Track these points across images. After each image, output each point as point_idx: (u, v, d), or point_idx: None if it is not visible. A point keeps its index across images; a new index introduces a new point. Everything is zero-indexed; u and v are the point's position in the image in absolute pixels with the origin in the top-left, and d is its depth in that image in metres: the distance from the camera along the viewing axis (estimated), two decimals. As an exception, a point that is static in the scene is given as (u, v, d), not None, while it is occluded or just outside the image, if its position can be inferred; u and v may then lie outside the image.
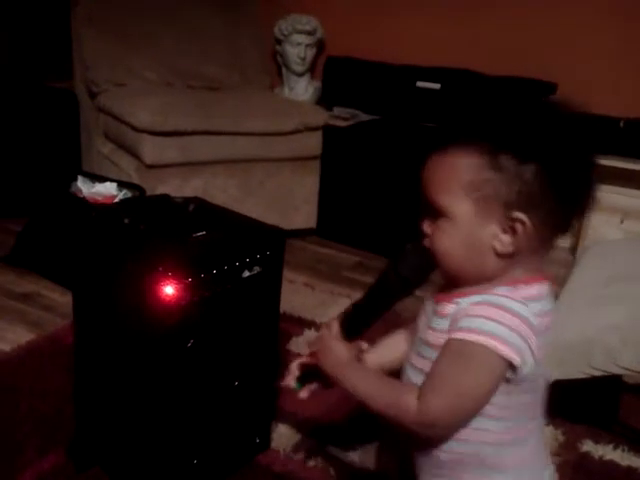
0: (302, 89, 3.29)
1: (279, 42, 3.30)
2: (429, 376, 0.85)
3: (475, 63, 3.02)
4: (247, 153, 2.59)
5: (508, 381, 0.83)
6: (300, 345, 1.94)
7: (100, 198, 2.26)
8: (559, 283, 2.64)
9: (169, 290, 1.10)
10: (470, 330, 0.80)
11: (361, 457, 1.48)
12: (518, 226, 0.81)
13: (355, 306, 1.03)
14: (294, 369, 1.10)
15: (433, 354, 0.87)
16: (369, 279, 2.61)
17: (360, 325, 1.02)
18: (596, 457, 1.55)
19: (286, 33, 3.25)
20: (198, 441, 1.29)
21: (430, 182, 0.87)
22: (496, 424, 0.87)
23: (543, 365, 0.86)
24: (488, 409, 0.85)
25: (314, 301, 2.25)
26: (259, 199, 2.60)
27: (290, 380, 1.10)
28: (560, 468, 1.45)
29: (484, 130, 0.83)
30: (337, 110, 3.16)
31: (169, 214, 1.32)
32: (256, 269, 1.27)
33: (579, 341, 1.37)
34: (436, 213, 0.86)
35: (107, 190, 2.30)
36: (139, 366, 1.21)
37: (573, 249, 2.96)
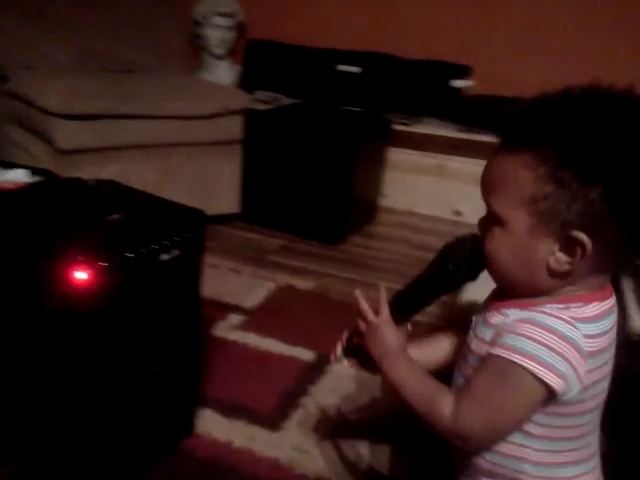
0: (222, 73, 3.25)
1: (199, 25, 3.23)
2: (466, 387, 0.83)
3: (394, 47, 3.07)
4: (166, 137, 2.53)
5: (549, 403, 0.79)
6: (225, 330, 1.94)
7: (11, 186, 2.16)
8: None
9: (81, 275, 1.06)
10: (511, 349, 0.77)
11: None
12: (576, 247, 0.75)
13: (402, 293, 1.02)
14: (343, 339, 1.11)
15: (475, 362, 0.86)
16: (294, 262, 2.63)
17: (406, 312, 1.00)
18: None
19: (206, 16, 3.19)
20: (117, 430, 1.26)
21: (488, 185, 0.83)
22: (537, 443, 0.84)
23: (600, 387, 0.83)
24: (528, 427, 0.83)
25: (239, 286, 2.24)
26: (179, 185, 2.55)
27: (338, 349, 1.12)
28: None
29: (553, 139, 0.75)
30: (258, 94, 3.13)
31: (81, 197, 1.28)
32: (175, 252, 1.24)
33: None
34: (492, 218, 0.82)
35: (18, 177, 2.20)
36: (52, 355, 1.17)
37: (490, 228, 3.08)
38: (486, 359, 0.81)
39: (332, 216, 2.71)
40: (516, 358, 0.76)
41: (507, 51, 3.04)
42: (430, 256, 2.99)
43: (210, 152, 2.66)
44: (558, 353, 0.75)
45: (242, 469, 1.39)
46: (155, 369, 1.30)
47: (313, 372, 1.76)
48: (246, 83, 3.22)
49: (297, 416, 1.58)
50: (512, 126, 0.80)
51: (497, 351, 0.78)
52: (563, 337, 0.75)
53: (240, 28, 3.32)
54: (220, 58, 3.24)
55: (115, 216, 1.20)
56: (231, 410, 1.57)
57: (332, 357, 1.12)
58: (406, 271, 2.51)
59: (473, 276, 0.91)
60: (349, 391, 1.69)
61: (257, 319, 2.03)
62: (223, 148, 2.71)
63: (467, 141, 3.02)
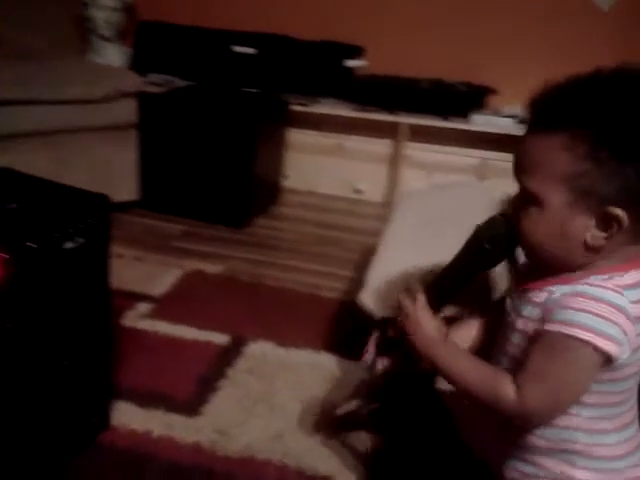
0: (112, 55, 3.12)
1: (86, 6, 3.08)
2: (526, 367, 0.83)
3: (289, 28, 3.06)
4: (58, 124, 2.41)
5: (604, 370, 0.82)
6: (134, 319, 1.89)
7: None
8: (377, 235, 2.83)
9: (-19, 268, 1.00)
10: (566, 323, 0.79)
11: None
12: (613, 222, 0.78)
13: (437, 279, 1.01)
14: (371, 347, 1.09)
15: (522, 341, 0.87)
16: (201, 247, 2.59)
17: (443, 298, 1.00)
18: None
19: (91, -4, 3.04)
20: (30, 426, 1.21)
21: (523, 165, 0.83)
22: (589, 410, 0.86)
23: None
24: (583, 396, 0.85)
25: (144, 274, 2.19)
26: (75, 173, 2.43)
27: (369, 351, 1.09)
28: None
29: (589, 120, 0.77)
30: (151, 77, 3.04)
31: (-28, 188, 1.20)
32: (79, 240, 1.19)
33: (401, 279, 1.47)
34: (527, 198, 0.83)
35: None
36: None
37: (387, 204, 3.17)
38: (540, 336, 0.82)
39: (236, 199, 2.69)
40: (572, 331, 0.78)
41: (399, 31, 3.12)
42: (334, 234, 3.07)
43: (105, 138, 2.56)
44: (610, 320, 0.77)
45: (163, 457, 1.38)
46: (65, 362, 1.25)
47: (229, 355, 1.76)
48: (138, 66, 3.10)
49: (216, 400, 1.57)
50: (546, 108, 0.81)
51: (552, 327, 0.80)
52: (612, 304, 0.78)
53: (129, 9, 3.20)
54: (109, 40, 3.11)
55: (13, 205, 1.14)
56: (148, 400, 1.54)
57: (364, 361, 1.10)
58: (311, 249, 2.55)
59: (508, 253, 0.92)
60: (266, 371, 1.70)
61: (166, 306, 1.99)
62: (118, 133, 2.62)
63: (363, 120, 3.08)
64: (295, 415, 1.54)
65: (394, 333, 1.03)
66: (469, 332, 1.07)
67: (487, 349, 1.01)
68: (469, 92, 3.02)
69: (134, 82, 2.65)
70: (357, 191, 3.23)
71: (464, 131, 3.03)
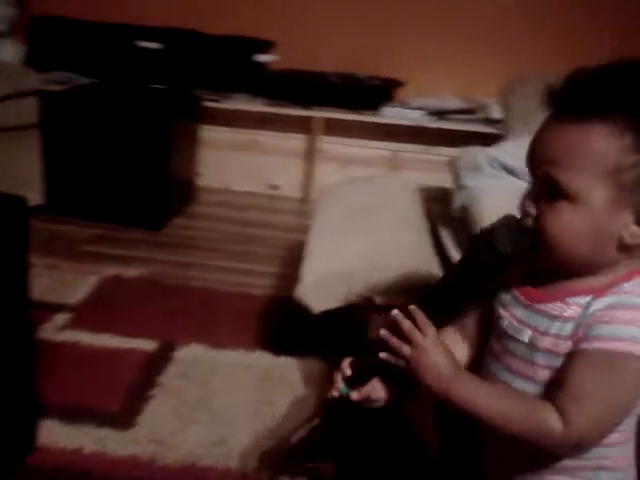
0: (6, 52, 2.91)
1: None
2: (569, 391, 0.74)
3: (197, 22, 2.98)
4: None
5: None
6: (52, 331, 1.77)
7: None
8: (297, 230, 2.82)
9: None
10: (612, 338, 0.72)
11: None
12: None
13: (433, 292, 0.92)
14: (345, 369, 0.91)
15: (551, 361, 0.77)
16: (117, 251, 2.47)
17: (441, 314, 0.89)
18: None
19: (-27, -12, 2.82)
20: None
21: (553, 158, 0.73)
22: (622, 424, 0.79)
23: None
24: None
25: (58, 282, 2.06)
26: (-29, 178, 2.26)
27: (339, 381, 0.91)
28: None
29: (630, 109, 0.70)
30: (50, 74, 2.87)
31: None
32: (-4, 248, 1.10)
33: (336, 272, 1.47)
34: (555, 193, 0.73)
35: None
36: None
37: (304, 199, 3.17)
38: (581, 356, 0.73)
39: (151, 200, 2.59)
40: (621, 347, 0.71)
41: (308, 26, 3.11)
42: (254, 231, 3.03)
43: (4, 140, 2.39)
44: None
45: (98, 473, 1.30)
46: (-14, 383, 1.15)
47: (158, 361, 1.69)
48: (35, 63, 2.92)
49: (149, 409, 1.50)
50: (585, 93, 0.72)
51: (597, 345, 0.72)
52: None
53: (21, 3, 3.00)
54: (1, 36, 2.90)
55: None
56: (75, 416, 1.44)
57: (334, 392, 0.91)
58: (234, 248, 2.50)
59: (515, 253, 0.84)
60: (200, 375, 1.65)
61: (86, 315, 1.88)
62: (18, 135, 2.45)
63: (277, 115, 3.05)
64: (235, 417, 1.50)
65: (377, 361, 0.84)
66: (457, 348, 0.92)
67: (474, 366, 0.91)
68: (379, 85, 3.07)
69: (31, 80, 2.50)
70: (273, 187, 3.20)
71: (375, 124, 3.07)
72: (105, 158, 2.57)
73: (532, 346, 0.79)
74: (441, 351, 0.80)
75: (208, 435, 1.43)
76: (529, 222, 0.76)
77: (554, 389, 0.75)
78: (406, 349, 0.80)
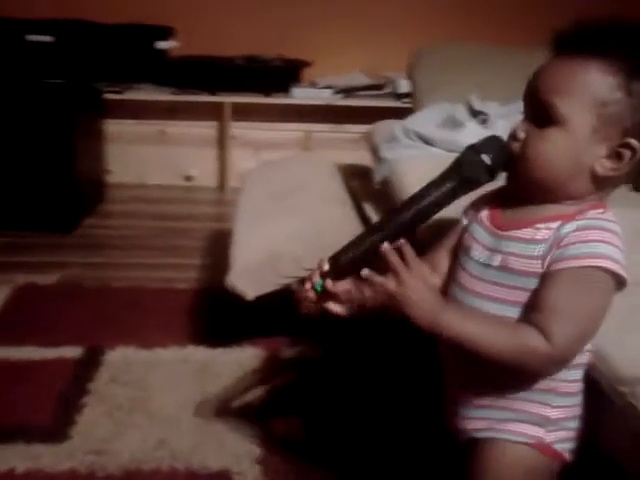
0: None
1: None
2: (547, 309, 0.79)
3: (89, 12, 2.83)
4: None
5: None
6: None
7: None
8: (217, 219, 2.77)
9: None
10: (589, 255, 0.79)
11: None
12: (626, 153, 0.80)
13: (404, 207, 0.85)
14: (322, 263, 0.89)
15: (520, 281, 0.83)
16: (28, 258, 2.33)
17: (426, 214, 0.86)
18: (295, 359, 1.69)
19: None
20: None
21: (554, 85, 0.81)
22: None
23: None
24: None
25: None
26: None
27: (315, 277, 0.89)
28: (269, 380, 1.58)
29: (628, 51, 0.80)
30: None
31: None
32: None
33: (268, 255, 1.45)
34: (546, 119, 0.81)
35: None
36: None
37: (220, 188, 3.11)
38: (556, 275, 0.80)
39: (59, 202, 2.45)
40: (595, 262, 0.78)
41: (207, 9, 3.02)
42: (173, 224, 2.95)
43: None
44: (620, 249, 0.80)
45: (34, 493, 1.23)
46: None
47: (86, 368, 1.61)
48: None
49: (83, 419, 1.42)
50: (587, 34, 0.82)
51: (571, 263, 0.79)
52: (618, 234, 0.81)
53: None
54: None
55: None
56: (3, 435, 1.35)
57: (307, 288, 0.91)
58: (152, 243, 2.42)
59: (497, 172, 0.86)
60: (133, 377, 1.58)
61: (1, 328, 1.77)
62: None
63: (184, 103, 2.97)
64: (175, 416, 1.45)
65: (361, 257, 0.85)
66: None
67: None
68: (285, 66, 3.03)
69: None
70: (188, 178, 3.12)
71: (286, 105, 3.04)
72: (4, 161, 2.41)
73: (503, 269, 0.85)
74: (427, 287, 0.83)
75: (148, 438, 1.37)
76: (516, 145, 0.84)
77: (532, 311, 0.80)
78: (391, 285, 0.81)
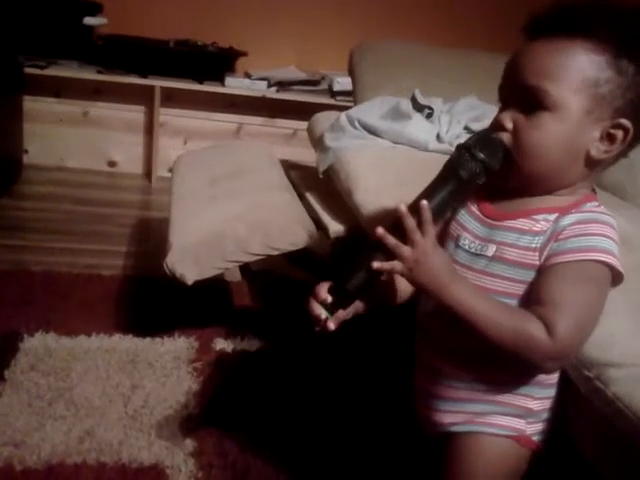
0: None
1: None
2: (549, 302, 0.76)
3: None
4: None
5: None
6: None
7: None
8: (143, 207, 2.66)
9: None
10: (590, 249, 0.77)
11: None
12: (619, 134, 0.78)
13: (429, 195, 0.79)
14: (323, 293, 0.82)
15: (515, 272, 0.80)
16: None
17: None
18: (230, 351, 1.63)
19: None
20: None
21: (540, 69, 0.78)
22: None
23: None
24: None
25: None
26: None
27: (317, 308, 0.83)
28: (203, 371, 1.51)
29: (613, 29, 0.77)
30: None
31: None
32: None
33: (209, 236, 1.38)
34: (534, 105, 0.78)
35: None
36: None
37: (147, 175, 2.99)
38: (557, 268, 0.78)
39: (-30, 178, 2.27)
40: (599, 256, 0.77)
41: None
42: (95, 210, 2.83)
43: None
44: (618, 244, 0.79)
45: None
46: None
47: (2, 354, 1.48)
48: None
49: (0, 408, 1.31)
50: (570, 13, 0.79)
51: (572, 256, 0.77)
52: (615, 228, 0.80)
53: None
54: None
55: None
56: None
57: (317, 327, 0.84)
58: (74, 228, 2.29)
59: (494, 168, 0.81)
60: (54, 365, 1.47)
61: None
62: None
63: (111, 84, 2.82)
64: (101, 408, 1.35)
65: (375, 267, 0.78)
66: None
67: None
68: (221, 54, 2.95)
69: None
70: (111, 163, 2.98)
71: (219, 94, 2.96)
72: None
73: (497, 259, 0.82)
74: (440, 253, 0.79)
75: (72, 430, 1.27)
76: (506, 137, 0.80)
77: (533, 305, 0.78)
78: (406, 250, 0.76)
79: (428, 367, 0.91)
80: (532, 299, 0.79)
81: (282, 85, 3.01)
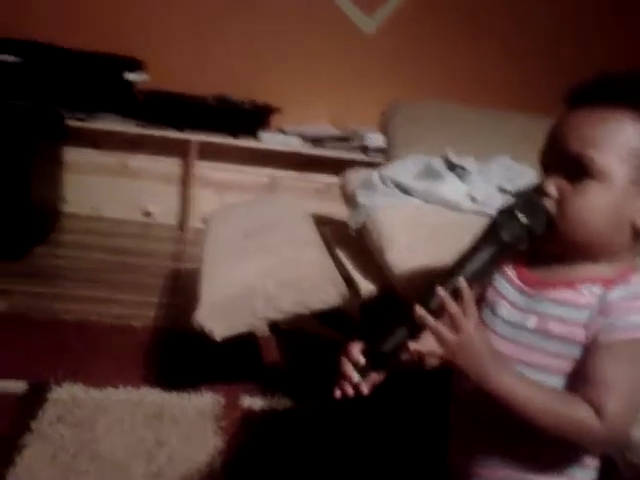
0: None
1: None
2: (598, 384, 0.73)
3: (59, 37, 2.77)
4: None
5: None
6: None
7: None
8: (176, 258, 2.68)
9: None
10: (633, 328, 0.75)
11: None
12: None
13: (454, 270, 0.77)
14: (357, 355, 0.80)
15: (565, 348, 0.78)
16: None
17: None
18: (257, 410, 1.60)
19: None
20: None
21: (585, 137, 0.78)
22: None
23: None
24: None
25: None
26: None
27: (351, 371, 0.80)
28: (229, 430, 1.49)
29: None
30: None
31: None
32: None
33: (239, 293, 1.38)
34: (580, 173, 0.78)
35: None
36: None
37: (181, 226, 3.03)
38: (604, 348, 0.75)
39: (10, 228, 2.33)
40: None
41: (180, 46, 3.01)
42: (129, 260, 2.84)
43: None
44: None
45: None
46: None
47: (29, 405, 1.48)
48: None
49: (23, 460, 1.29)
50: (611, 84, 0.80)
51: (620, 336, 0.75)
52: None
53: None
54: None
55: None
56: None
57: (340, 392, 0.81)
58: (107, 277, 2.31)
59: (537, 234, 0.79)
60: (80, 417, 1.46)
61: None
62: None
63: (149, 137, 2.91)
64: (125, 462, 1.34)
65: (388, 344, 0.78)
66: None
67: None
68: (255, 110, 3.02)
69: None
70: (147, 214, 3.03)
71: (253, 149, 3.02)
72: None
73: (540, 332, 0.80)
74: (484, 337, 0.77)
75: (94, 484, 1.26)
76: (550, 204, 0.79)
77: (583, 385, 0.75)
78: (450, 335, 0.75)
79: (465, 442, 0.87)
80: (580, 378, 0.77)
81: (315, 141, 3.06)
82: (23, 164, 2.31)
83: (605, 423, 0.72)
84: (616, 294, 0.77)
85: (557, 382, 0.79)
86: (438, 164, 1.69)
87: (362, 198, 1.67)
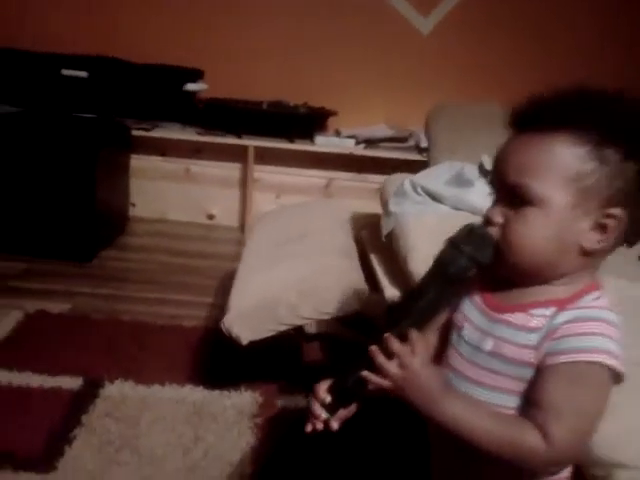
0: None
1: None
2: (544, 407, 0.75)
3: (123, 51, 2.95)
4: None
5: None
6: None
7: None
8: (234, 259, 2.80)
9: None
10: (584, 350, 0.75)
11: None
12: (611, 224, 0.76)
13: (402, 305, 0.83)
14: (323, 394, 0.85)
15: (517, 371, 0.79)
16: (43, 285, 2.37)
17: (422, 319, 0.82)
18: (291, 408, 1.67)
19: None
20: None
21: (521, 166, 0.77)
22: None
23: None
24: None
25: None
26: None
27: (319, 409, 0.85)
28: (263, 427, 1.57)
29: (592, 119, 0.76)
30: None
31: None
32: None
33: (264, 301, 1.46)
34: (521, 201, 0.77)
35: None
36: None
37: (242, 227, 3.15)
38: (551, 371, 0.76)
39: (79, 232, 2.51)
40: (590, 357, 0.74)
41: (237, 54, 3.12)
42: (189, 261, 2.96)
43: None
44: (618, 342, 0.76)
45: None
46: None
47: (82, 400, 1.62)
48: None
49: (72, 451, 1.44)
50: (546, 109, 0.79)
51: (566, 358, 0.75)
52: (614, 324, 0.77)
53: None
54: None
55: None
56: None
57: (311, 427, 0.85)
58: (167, 279, 2.46)
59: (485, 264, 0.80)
60: (127, 413, 1.59)
61: (7, 353, 1.80)
62: None
63: (209, 144, 3.04)
64: (162, 456, 1.45)
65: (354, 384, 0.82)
66: None
67: None
68: (311, 114, 3.09)
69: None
70: (209, 216, 3.18)
71: (309, 152, 3.10)
72: (31, 189, 2.49)
73: (496, 355, 0.80)
74: (430, 373, 0.79)
75: (132, 476, 1.38)
76: (494, 231, 0.79)
77: (530, 407, 0.77)
78: (395, 370, 0.78)
79: (445, 462, 0.90)
80: (530, 400, 0.77)
81: (370, 142, 3.09)
82: (88, 172, 2.49)
83: (551, 447, 0.72)
84: (564, 317, 0.77)
85: (515, 403, 0.79)
86: (469, 171, 1.71)
87: (393, 206, 1.72)
